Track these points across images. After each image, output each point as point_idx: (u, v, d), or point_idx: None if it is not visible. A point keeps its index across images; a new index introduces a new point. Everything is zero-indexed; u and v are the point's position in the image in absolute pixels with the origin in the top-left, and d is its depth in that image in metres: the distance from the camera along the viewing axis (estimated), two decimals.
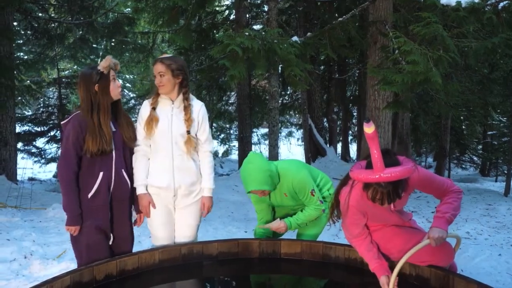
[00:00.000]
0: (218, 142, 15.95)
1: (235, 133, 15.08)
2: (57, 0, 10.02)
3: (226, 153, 16.37)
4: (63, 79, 11.36)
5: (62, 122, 2.35)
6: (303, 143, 12.02)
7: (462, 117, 12.33)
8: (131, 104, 12.36)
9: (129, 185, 2.50)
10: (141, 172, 2.54)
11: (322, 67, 12.76)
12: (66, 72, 14.58)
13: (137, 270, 2.27)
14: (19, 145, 10.65)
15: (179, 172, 2.53)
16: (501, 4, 4.79)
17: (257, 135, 16.08)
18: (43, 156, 11.50)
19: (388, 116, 6.16)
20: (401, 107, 5.76)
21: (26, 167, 10.16)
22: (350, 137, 15.32)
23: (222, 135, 15.80)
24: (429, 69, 4.25)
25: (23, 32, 10.81)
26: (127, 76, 16.50)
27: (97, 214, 2.34)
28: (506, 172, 9.13)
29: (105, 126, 2.32)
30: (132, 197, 2.55)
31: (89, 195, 2.32)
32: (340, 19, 6.16)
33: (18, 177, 9.04)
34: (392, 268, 2.07)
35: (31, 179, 11.15)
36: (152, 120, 2.49)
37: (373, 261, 2.17)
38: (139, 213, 2.63)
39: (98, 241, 2.34)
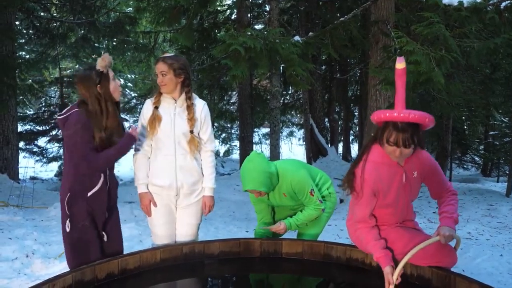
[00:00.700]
0: (219, 142, 15.94)
1: (236, 132, 15.07)
2: (59, 0, 10.03)
3: (228, 152, 16.37)
4: (65, 78, 11.36)
5: (60, 117, 2.30)
6: (304, 143, 12.01)
7: (464, 117, 12.30)
8: (132, 103, 12.36)
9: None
10: (142, 171, 2.55)
11: (324, 66, 12.75)
12: (68, 71, 14.59)
13: (139, 269, 2.27)
14: (21, 144, 10.66)
15: (182, 172, 2.53)
16: (503, 4, 4.78)
17: (259, 134, 16.08)
18: (45, 155, 11.51)
19: None
20: None
21: (27, 166, 10.18)
22: (351, 137, 15.32)
23: (224, 135, 15.80)
24: (431, 69, 4.24)
25: (25, 32, 10.81)
26: (129, 76, 16.51)
27: (96, 213, 2.34)
28: (507, 172, 9.12)
29: (110, 125, 2.31)
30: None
31: (89, 194, 2.32)
32: (341, 18, 6.16)
33: (20, 176, 9.06)
34: (396, 263, 2.07)
35: (32, 178, 11.18)
36: (155, 119, 2.49)
37: (379, 251, 2.11)
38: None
39: (93, 239, 2.33)
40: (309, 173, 2.74)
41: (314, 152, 10.67)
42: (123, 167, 10.90)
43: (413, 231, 2.24)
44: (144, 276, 2.25)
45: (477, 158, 15.00)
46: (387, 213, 2.22)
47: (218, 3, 12.01)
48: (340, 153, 13.89)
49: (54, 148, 11.56)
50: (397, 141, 1.95)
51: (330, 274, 2.40)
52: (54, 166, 11.89)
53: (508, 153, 12.31)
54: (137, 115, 11.72)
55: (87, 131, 2.24)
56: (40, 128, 11.34)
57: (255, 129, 14.41)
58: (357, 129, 14.61)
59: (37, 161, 11.52)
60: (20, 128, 10.41)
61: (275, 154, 6.67)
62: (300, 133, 17.62)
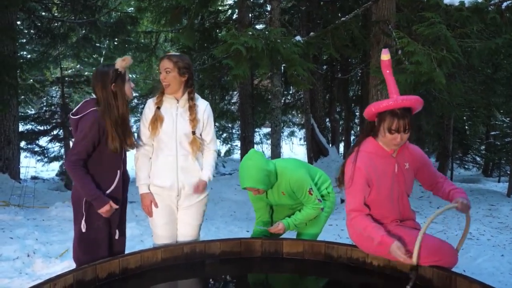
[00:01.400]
0: (220, 142, 15.93)
1: (237, 132, 15.06)
2: (60, 0, 10.05)
3: (229, 152, 16.36)
4: (66, 78, 11.37)
5: (75, 116, 2.30)
6: (305, 142, 12.01)
7: (465, 117, 12.28)
8: (134, 103, 12.36)
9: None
10: (143, 171, 2.55)
11: (325, 66, 12.74)
12: (69, 71, 14.62)
13: (140, 269, 2.28)
14: (22, 144, 10.67)
15: (183, 172, 2.53)
16: (505, 4, 4.78)
17: (260, 134, 16.07)
18: (46, 155, 11.52)
19: None
20: None
21: (29, 165, 10.19)
22: (352, 137, 15.28)
23: (225, 135, 15.79)
24: (432, 69, 4.24)
25: (26, 31, 10.83)
26: (130, 76, 16.47)
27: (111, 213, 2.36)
28: (509, 172, 9.11)
29: (124, 125, 2.33)
30: None
31: (108, 192, 2.34)
32: (343, 18, 6.16)
33: (21, 176, 9.09)
34: (396, 263, 2.07)
35: (34, 178, 11.19)
36: (157, 120, 2.48)
37: (380, 232, 2.08)
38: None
39: (105, 238, 2.37)
40: (308, 172, 2.74)
41: (315, 152, 10.66)
42: (127, 167, 10.91)
43: (413, 231, 2.24)
44: (145, 275, 2.25)
45: (478, 158, 14.98)
46: (384, 210, 2.22)
47: (219, 3, 12.00)
48: (341, 153, 13.87)
49: (55, 148, 11.57)
50: (399, 127, 2.06)
51: (331, 274, 2.40)
52: (55, 165, 11.90)
53: (509, 153, 12.31)
54: (138, 115, 11.71)
55: (97, 133, 2.25)
56: (42, 128, 11.34)
57: (256, 129, 14.41)
58: (358, 129, 14.59)
59: (38, 160, 11.53)
60: (21, 127, 10.42)
61: (276, 154, 6.67)
62: (301, 133, 17.61)
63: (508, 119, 13.42)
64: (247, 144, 10.30)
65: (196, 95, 2.60)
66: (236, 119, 13.34)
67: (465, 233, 2.26)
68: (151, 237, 2.75)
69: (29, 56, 12.05)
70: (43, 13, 10.42)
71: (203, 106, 2.58)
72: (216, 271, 2.44)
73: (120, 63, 2.33)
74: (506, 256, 4.07)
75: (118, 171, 2.38)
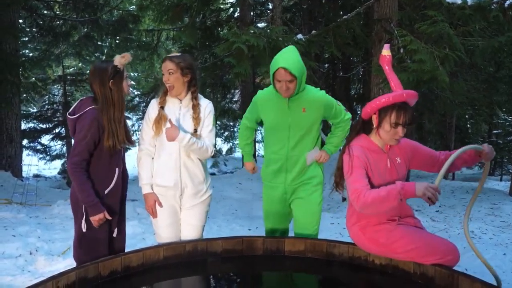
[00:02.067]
0: (222, 140, 15.93)
1: (238, 131, 15.08)
2: None
3: (230, 151, 16.37)
4: (68, 77, 11.39)
5: (73, 116, 2.30)
6: None
7: (467, 116, 12.27)
8: (135, 102, 12.38)
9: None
10: (146, 171, 2.55)
11: (327, 65, 12.72)
12: (71, 69, 14.64)
13: (142, 267, 2.28)
14: (24, 142, 10.70)
15: (186, 171, 2.53)
16: (508, 2, 4.76)
17: (261, 133, 16.06)
18: (48, 153, 11.56)
19: None
20: None
21: (31, 164, 10.22)
22: None
23: (226, 133, 15.78)
24: (435, 67, 4.23)
25: (28, 30, 10.85)
26: (132, 74, 16.54)
27: (111, 210, 2.36)
28: (511, 171, 9.10)
29: (119, 122, 2.33)
30: None
31: (106, 191, 2.34)
32: (344, 17, 6.15)
33: (24, 174, 9.10)
34: (396, 263, 2.06)
35: (36, 176, 11.21)
36: (161, 120, 2.48)
37: (393, 186, 2.01)
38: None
39: (104, 237, 2.37)
40: None
41: None
42: (126, 165, 10.93)
43: (414, 229, 2.24)
44: (147, 273, 2.26)
45: None
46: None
47: (220, 1, 12.00)
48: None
49: (57, 146, 11.60)
50: (406, 120, 2.10)
51: (332, 272, 2.40)
52: (58, 163, 11.93)
53: None
54: (140, 113, 11.72)
55: (97, 131, 2.25)
56: (44, 126, 11.38)
57: (258, 128, 14.39)
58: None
59: (40, 159, 11.57)
60: (23, 126, 10.45)
61: None
62: None
63: (510, 117, 13.39)
64: None
65: (199, 95, 2.60)
66: (237, 117, 13.32)
67: (482, 182, 2.34)
68: (153, 235, 2.75)
69: (31, 54, 12.08)
70: (45, 12, 10.44)
71: (205, 104, 2.59)
72: (218, 269, 2.45)
73: (119, 60, 2.32)
74: (508, 254, 4.06)
75: (117, 169, 2.38)
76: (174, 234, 2.60)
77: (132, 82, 17.07)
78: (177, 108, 2.53)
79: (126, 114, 2.59)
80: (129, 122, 11.62)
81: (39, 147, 11.45)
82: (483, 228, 5.21)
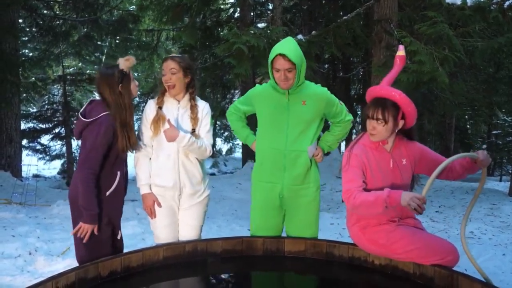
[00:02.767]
0: (221, 140, 15.95)
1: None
2: None
3: (230, 151, 16.39)
4: (68, 76, 11.38)
5: (85, 119, 2.28)
6: None
7: (467, 116, 12.29)
8: (135, 101, 12.39)
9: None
10: (144, 172, 2.54)
11: (327, 65, 12.73)
12: (71, 69, 14.62)
13: (142, 267, 2.28)
14: (24, 142, 10.69)
15: (185, 171, 2.53)
16: (507, 3, 4.77)
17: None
18: (48, 153, 11.54)
19: None
20: None
21: (30, 164, 10.22)
22: (354, 135, 15.27)
23: (226, 133, 15.80)
24: (435, 68, 4.24)
25: (28, 29, 10.85)
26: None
27: (112, 212, 2.36)
28: (510, 171, 9.10)
29: (130, 126, 2.33)
30: None
31: (107, 193, 2.34)
32: (344, 17, 6.15)
33: (23, 174, 9.10)
34: (396, 264, 2.07)
35: (35, 176, 11.21)
36: (159, 120, 2.47)
37: (381, 192, 2.02)
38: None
39: (107, 239, 2.37)
40: None
41: None
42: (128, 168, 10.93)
43: (414, 230, 2.24)
44: (147, 274, 2.26)
45: None
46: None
47: (221, 1, 12.00)
48: (342, 152, 13.88)
49: (57, 146, 11.59)
50: (370, 113, 2.15)
51: (332, 273, 2.40)
52: (57, 164, 11.92)
53: (511, 153, 12.28)
54: (140, 113, 11.71)
55: (112, 138, 2.26)
56: (43, 126, 11.36)
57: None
58: (360, 127, 14.55)
59: (40, 159, 11.55)
60: (23, 125, 10.44)
61: None
62: None
63: (510, 118, 13.40)
64: None
65: (196, 96, 2.60)
66: None
67: (480, 188, 2.33)
68: (152, 235, 2.75)
69: (31, 54, 12.08)
70: (45, 11, 10.43)
71: (203, 105, 2.59)
72: (218, 270, 2.45)
73: (124, 63, 2.32)
74: (508, 255, 4.07)
75: (119, 172, 2.38)
76: (172, 235, 2.60)
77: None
78: (175, 108, 2.53)
79: None
80: None
81: (38, 147, 11.43)
82: (482, 228, 5.22)
